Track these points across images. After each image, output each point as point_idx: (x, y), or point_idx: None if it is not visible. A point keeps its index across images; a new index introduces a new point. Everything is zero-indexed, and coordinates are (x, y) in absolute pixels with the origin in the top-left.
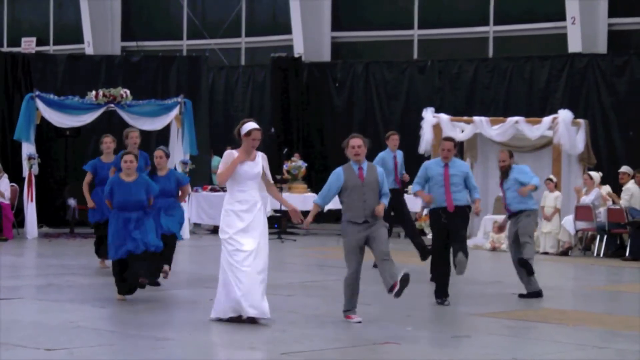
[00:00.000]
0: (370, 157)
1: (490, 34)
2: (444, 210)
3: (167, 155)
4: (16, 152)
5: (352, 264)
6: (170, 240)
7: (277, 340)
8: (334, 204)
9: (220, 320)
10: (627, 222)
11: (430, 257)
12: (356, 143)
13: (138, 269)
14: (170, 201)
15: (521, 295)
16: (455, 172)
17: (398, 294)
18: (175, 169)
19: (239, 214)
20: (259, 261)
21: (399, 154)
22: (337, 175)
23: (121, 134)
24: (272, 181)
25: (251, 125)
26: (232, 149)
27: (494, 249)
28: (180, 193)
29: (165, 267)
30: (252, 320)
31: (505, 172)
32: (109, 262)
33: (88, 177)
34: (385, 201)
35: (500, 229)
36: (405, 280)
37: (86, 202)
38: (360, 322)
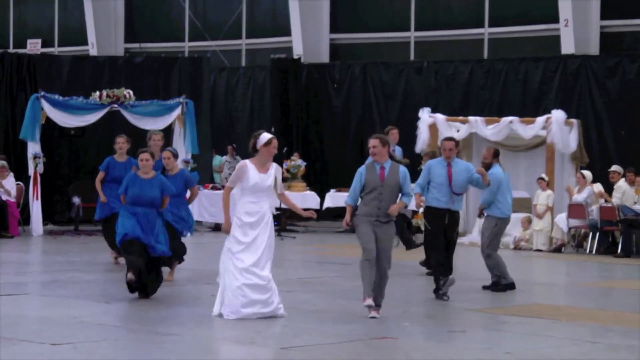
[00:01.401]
0: None
1: (485, 35)
2: (442, 210)
3: (175, 156)
4: (20, 151)
5: (367, 252)
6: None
7: (276, 335)
8: (333, 202)
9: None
10: (618, 219)
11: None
12: (372, 144)
13: (134, 262)
14: (177, 200)
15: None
16: (458, 171)
17: (373, 317)
18: None
19: (244, 228)
20: (261, 272)
21: (398, 150)
22: (360, 174)
23: (124, 134)
24: (283, 191)
25: (268, 135)
26: (232, 146)
27: None
28: (189, 194)
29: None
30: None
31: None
32: (121, 259)
33: (100, 175)
34: (406, 200)
35: None
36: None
37: (90, 200)
38: (374, 317)
